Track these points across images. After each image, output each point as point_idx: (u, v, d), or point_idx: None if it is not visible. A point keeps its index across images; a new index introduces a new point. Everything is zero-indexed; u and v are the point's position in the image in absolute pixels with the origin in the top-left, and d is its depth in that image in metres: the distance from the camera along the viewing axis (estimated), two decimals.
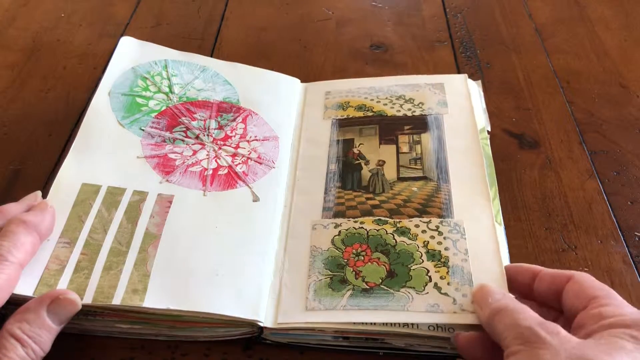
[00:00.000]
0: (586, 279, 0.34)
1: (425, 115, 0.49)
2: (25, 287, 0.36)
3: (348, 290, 0.38)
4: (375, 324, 0.36)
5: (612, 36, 0.63)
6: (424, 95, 0.51)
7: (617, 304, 0.33)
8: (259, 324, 0.37)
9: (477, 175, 0.44)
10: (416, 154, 0.47)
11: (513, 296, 0.35)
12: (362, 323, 0.36)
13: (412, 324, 0.36)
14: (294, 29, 0.64)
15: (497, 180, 0.46)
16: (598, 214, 0.46)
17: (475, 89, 0.52)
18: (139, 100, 0.49)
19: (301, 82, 0.54)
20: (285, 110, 0.51)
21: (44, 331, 0.33)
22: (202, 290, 0.38)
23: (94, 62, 0.58)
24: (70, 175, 0.42)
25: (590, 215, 0.46)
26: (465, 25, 0.65)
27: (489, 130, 0.50)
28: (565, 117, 0.54)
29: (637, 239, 0.44)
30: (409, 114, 0.50)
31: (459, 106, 0.50)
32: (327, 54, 0.61)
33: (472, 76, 0.55)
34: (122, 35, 0.62)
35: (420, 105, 0.50)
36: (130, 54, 0.52)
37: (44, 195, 0.40)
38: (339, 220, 0.42)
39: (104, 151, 0.45)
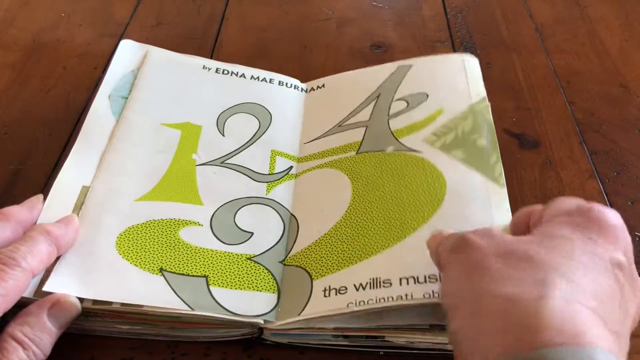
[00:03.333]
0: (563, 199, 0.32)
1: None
2: (26, 290, 0.35)
3: None
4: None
5: (612, 36, 0.63)
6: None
7: (566, 200, 0.31)
8: (259, 324, 0.37)
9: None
10: None
11: None
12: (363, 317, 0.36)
13: (407, 295, 0.36)
14: (294, 29, 0.64)
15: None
16: None
17: (475, 64, 0.51)
18: None
19: (301, 82, 0.54)
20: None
21: (44, 334, 0.33)
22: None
23: (94, 62, 0.58)
24: (70, 178, 0.42)
25: None
26: (465, 25, 0.65)
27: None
28: (565, 117, 0.54)
29: (637, 239, 0.44)
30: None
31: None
32: (328, 53, 0.61)
33: None
34: (122, 35, 0.62)
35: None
36: (130, 57, 0.52)
37: (44, 197, 0.40)
38: None
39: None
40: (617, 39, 0.63)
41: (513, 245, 0.28)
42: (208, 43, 0.62)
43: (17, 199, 0.39)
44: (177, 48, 0.54)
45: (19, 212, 0.38)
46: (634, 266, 0.29)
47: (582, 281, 0.26)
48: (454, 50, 0.61)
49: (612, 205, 0.46)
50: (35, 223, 0.38)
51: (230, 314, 0.36)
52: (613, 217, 0.29)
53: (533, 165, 0.50)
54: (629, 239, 0.30)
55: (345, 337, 0.37)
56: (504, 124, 0.53)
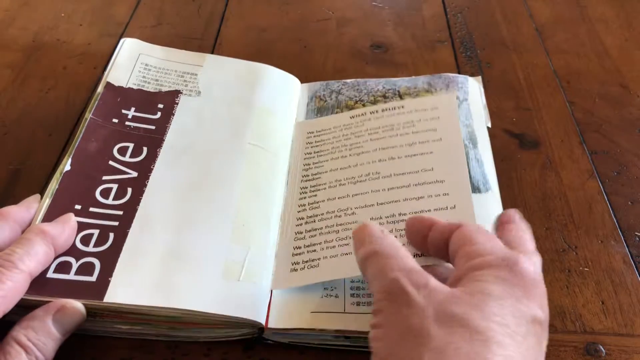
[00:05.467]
0: (471, 225, 0.32)
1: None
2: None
3: None
4: None
5: (612, 36, 0.64)
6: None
7: (482, 241, 0.31)
8: (259, 324, 0.37)
9: None
10: None
11: (393, 236, 0.33)
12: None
13: None
14: (294, 29, 0.64)
15: (497, 180, 0.45)
16: (598, 214, 0.46)
17: (475, 86, 0.51)
18: None
19: (301, 82, 0.54)
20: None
21: (48, 339, 0.33)
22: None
23: (94, 62, 0.58)
24: None
25: (591, 215, 0.46)
26: (465, 25, 0.65)
27: (489, 126, 0.50)
28: (565, 117, 0.54)
29: (637, 239, 0.44)
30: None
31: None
32: (328, 53, 0.61)
33: (472, 76, 0.55)
34: (122, 35, 0.62)
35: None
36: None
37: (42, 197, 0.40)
38: None
39: None
40: (617, 39, 0.63)
41: (452, 307, 0.27)
42: (208, 43, 0.62)
43: (17, 199, 0.39)
44: (176, 48, 0.54)
45: (17, 211, 0.38)
46: (548, 317, 0.30)
47: (514, 351, 0.27)
48: (454, 49, 0.61)
49: (612, 205, 0.46)
50: (34, 222, 0.38)
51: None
52: (533, 270, 0.30)
53: (533, 165, 0.50)
54: (544, 289, 0.30)
55: (347, 337, 0.37)
56: (504, 124, 0.53)
